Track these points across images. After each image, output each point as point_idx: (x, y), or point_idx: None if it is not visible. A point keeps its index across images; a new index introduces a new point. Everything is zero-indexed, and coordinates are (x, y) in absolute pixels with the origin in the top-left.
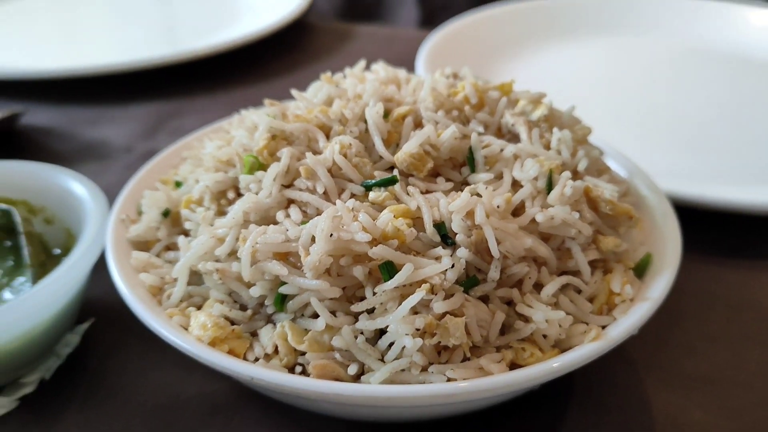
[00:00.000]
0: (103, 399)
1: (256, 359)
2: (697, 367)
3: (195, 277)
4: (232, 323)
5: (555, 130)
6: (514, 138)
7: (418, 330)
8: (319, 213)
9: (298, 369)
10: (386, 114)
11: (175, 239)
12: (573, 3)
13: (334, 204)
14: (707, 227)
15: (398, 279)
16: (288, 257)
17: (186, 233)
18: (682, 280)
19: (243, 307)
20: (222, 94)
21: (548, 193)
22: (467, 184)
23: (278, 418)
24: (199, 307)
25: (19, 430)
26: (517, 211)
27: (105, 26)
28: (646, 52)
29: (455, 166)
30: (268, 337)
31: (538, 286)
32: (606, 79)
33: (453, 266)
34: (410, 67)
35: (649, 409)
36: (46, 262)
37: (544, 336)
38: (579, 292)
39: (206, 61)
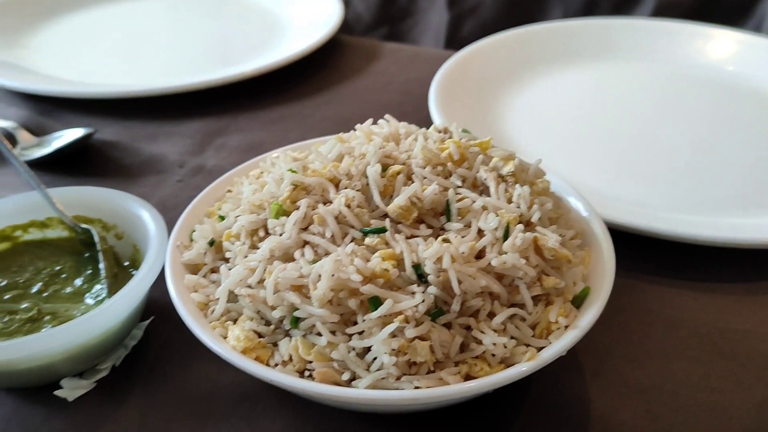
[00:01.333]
0: (159, 384)
1: (276, 365)
2: (634, 375)
3: (232, 296)
4: (260, 335)
5: (518, 186)
6: (486, 190)
7: (394, 350)
8: (327, 253)
9: (307, 373)
10: (384, 169)
11: (218, 264)
12: (587, 25)
13: (338, 246)
14: (660, 252)
15: (381, 311)
16: (301, 289)
17: (227, 260)
18: (630, 299)
19: (267, 323)
20: (261, 113)
21: (504, 241)
22: (444, 230)
23: (294, 406)
24: (234, 321)
25: (95, 407)
26: (481, 253)
27: (159, 42)
28: (652, 76)
29: (436, 215)
30: (285, 348)
31: (492, 315)
32: (610, 103)
33: (423, 301)
34: (428, 85)
35: (587, 410)
36: (117, 273)
37: (493, 354)
38: (523, 320)
39: (249, 80)
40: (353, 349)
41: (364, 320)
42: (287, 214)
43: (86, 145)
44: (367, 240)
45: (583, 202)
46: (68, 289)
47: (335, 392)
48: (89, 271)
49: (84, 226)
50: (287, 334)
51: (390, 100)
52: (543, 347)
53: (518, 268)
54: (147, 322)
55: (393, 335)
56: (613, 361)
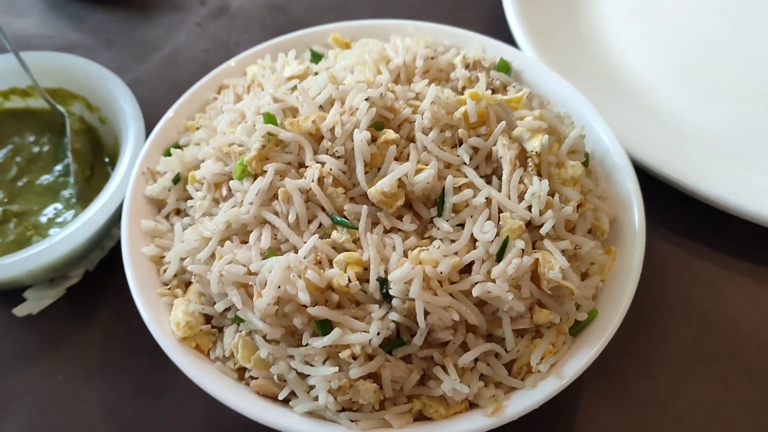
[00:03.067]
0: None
1: (216, 359)
2: (640, 384)
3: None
4: (207, 318)
5: (536, 179)
6: (498, 170)
7: (334, 388)
8: (286, 241)
9: (247, 374)
10: (379, 127)
11: (182, 206)
12: None
13: (302, 232)
14: (725, 225)
15: (327, 340)
16: (247, 287)
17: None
18: (668, 277)
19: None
20: None
21: (498, 260)
22: (433, 224)
23: None
24: (187, 284)
25: (64, 317)
26: (467, 268)
27: None
28: None
29: (427, 203)
30: (229, 339)
31: (465, 347)
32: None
33: (378, 334)
34: None
35: (571, 419)
36: (92, 174)
37: (454, 396)
38: (499, 356)
39: None
40: (294, 370)
41: (307, 344)
42: (252, 177)
43: None
44: (335, 234)
45: (631, 177)
46: (43, 181)
47: (267, 418)
48: (68, 160)
49: (60, 108)
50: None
51: None
52: (515, 387)
53: (504, 301)
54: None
55: (334, 364)
56: (621, 358)
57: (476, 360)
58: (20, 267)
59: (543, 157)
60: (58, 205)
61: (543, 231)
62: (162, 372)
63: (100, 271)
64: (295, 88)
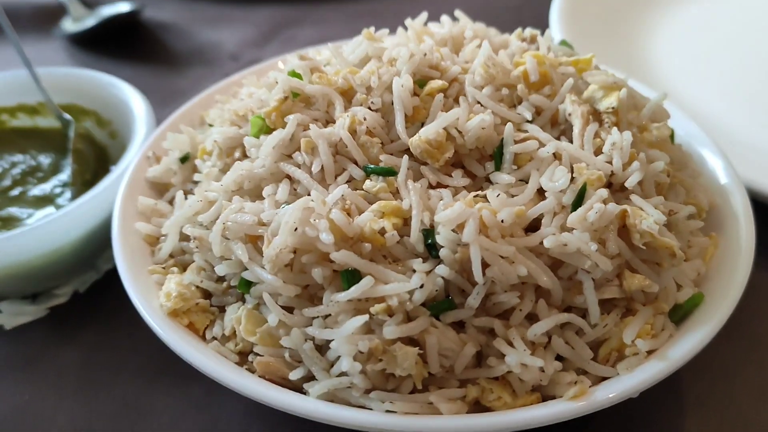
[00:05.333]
0: (120, 324)
1: (213, 338)
2: (759, 416)
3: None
4: (207, 294)
5: (614, 130)
6: (568, 131)
7: (361, 353)
8: (308, 195)
9: (252, 358)
10: (423, 83)
11: (189, 187)
12: None
13: (328, 185)
14: None
15: (353, 292)
16: (257, 241)
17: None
18: None
19: (220, 279)
20: (348, 4)
21: (573, 211)
22: (489, 182)
23: None
24: (185, 266)
25: (40, 335)
26: (534, 224)
27: None
28: None
29: (482, 158)
30: (230, 317)
31: (534, 318)
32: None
33: (422, 286)
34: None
35: None
36: (94, 179)
37: (521, 380)
38: (581, 333)
39: None
40: (311, 338)
41: (331, 301)
42: (271, 132)
43: (136, 24)
44: (368, 183)
45: (724, 163)
46: (37, 192)
47: (279, 399)
48: (68, 169)
49: (66, 116)
50: (242, 298)
51: (506, 3)
52: (604, 377)
53: (585, 255)
54: None
55: (370, 329)
56: (729, 387)
57: (550, 337)
58: None
59: (621, 115)
60: (52, 209)
61: (629, 184)
62: (148, 393)
63: (91, 294)
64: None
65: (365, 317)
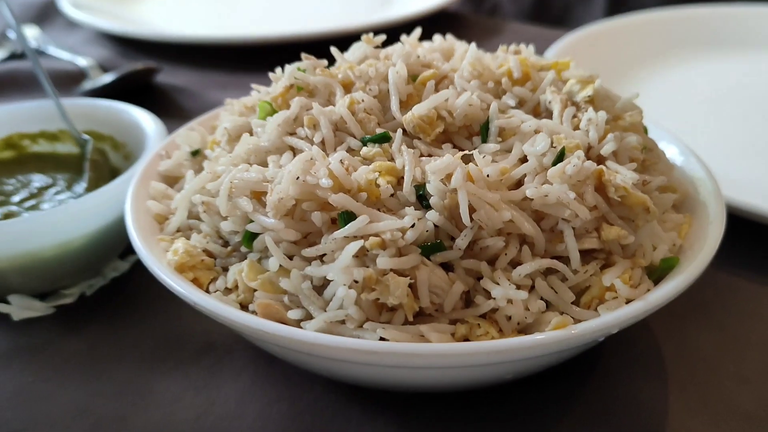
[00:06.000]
0: (126, 322)
1: (216, 290)
2: (739, 399)
3: (197, 211)
4: (212, 257)
5: (590, 109)
6: (550, 116)
7: (356, 282)
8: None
9: (252, 308)
10: (414, 77)
11: None
12: (719, 14)
13: (328, 156)
14: None
15: (349, 229)
16: (261, 196)
17: None
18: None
19: (226, 244)
20: None
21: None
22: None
23: (263, 364)
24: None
25: (46, 327)
26: (517, 185)
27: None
28: None
29: (469, 135)
30: (232, 273)
31: (519, 265)
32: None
33: (414, 226)
34: None
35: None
36: None
37: (508, 318)
38: (564, 280)
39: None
40: (309, 279)
41: (328, 240)
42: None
43: (151, 86)
44: (364, 150)
45: (694, 158)
46: (51, 202)
47: (266, 328)
48: (83, 189)
49: (85, 136)
50: (244, 259)
51: None
52: (583, 320)
53: (564, 204)
54: (137, 257)
55: (365, 265)
56: (712, 375)
57: (534, 283)
58: None
59: (597, 102)
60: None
61: (604, 152)
62: (148, 377)
63: (97, 297)
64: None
65: (360, 242)
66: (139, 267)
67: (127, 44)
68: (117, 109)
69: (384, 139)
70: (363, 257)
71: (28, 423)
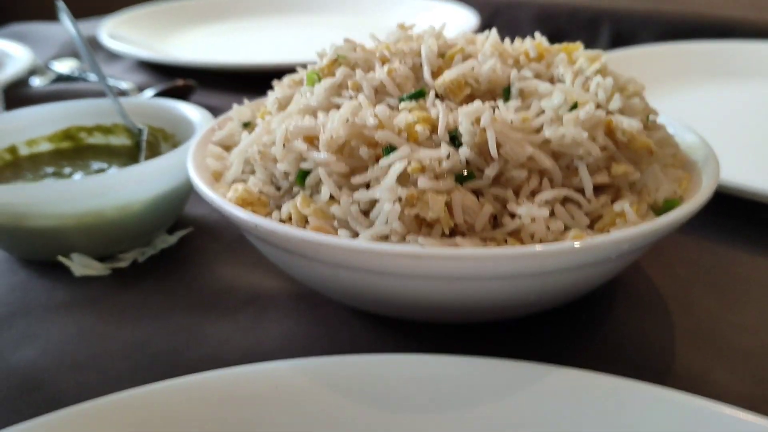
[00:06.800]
0: (176, 281)
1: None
2: (740, 340)
3: (250, 169)
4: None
5: (599, 76)
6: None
7: (400, 199)
8: None
9: None
10: (443, 55)
11: None
12: (730, 48)
13: None
14: None
15: (394, 156)
16: (313, 140)
17: None
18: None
19: (278, 189)
20: None
21: None
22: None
23: (305, 311)
24: None
25: (101, 288)
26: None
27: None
28: None
29: (493, 98)
30: (286, 208)
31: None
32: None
33: (449, 157)
34: None
35: (670, 363)
36: None
37: (532, 236)
38: (579, 206)
39: None
40: (357, 203)
41: (375, 170)
42: None
43: (186, 100)
44: (401, 105)
45: (690, 131)
46: None
47: (320, 239)
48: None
49: (139, 125)
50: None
51: None
52: None
53: (579, 143)
54: (185, 231)
55: (402, 184)
56: (715, 323)
57: (552, 210)
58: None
59: (603, 75)
60: None
61: (612, 107)
62: (200, 322)
63: (148, 264)
64: None
65: (403, 163)
66: (186, 241)
67: (163, 71)
68: (165, 104)
69: (420, 94)
70: (406, 182)
71: (89, 355)
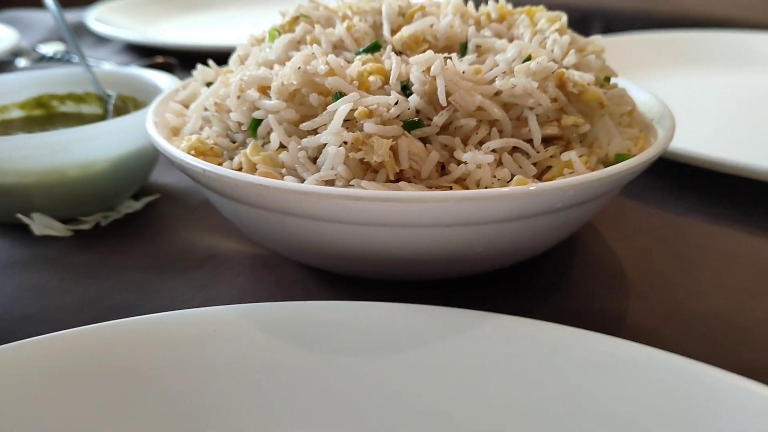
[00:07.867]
0: (136, 243)
1: None
2: (693, 305)
3: (210, 123)
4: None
5: (555, 33)
6: None
7: (345, 143)
8: None
9: None
10: (404, 15)
11: None
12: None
13: None
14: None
15: (342, 101)
16: (267, 90)
17: None
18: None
19: (234, 142)
20: None
21: None
22: None
23: (259, 266)
24: None
25: (61, 247)
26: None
27: None
28: None
29: (450, 54)
30: (237, 157)
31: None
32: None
33: (398, 103)
34: None
35: (621, 324)
36: None
37: (478, 184)
38: (527, 156)
39: None
40: (305, 149)
41: (323, 116)
42: None
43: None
44: (358, 58)
45: (650, 95)
46: None
47: (264, 182)
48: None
49: (109, 91)
50: None
51: None
52: None
53: (529, 93)
54: (151, 198)
55: (349, 129)
56: (670, 288)
57: (500, 159)
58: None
59: (563, 33)
60: None
61: (566, 62)
62: (155, 280)
63: (111, 228)
64: None
65: (349, 106)
66: (151, 207)
67: (148, 55)
68: (136, 73)
69: (375, 47)
70: (353, 127)
71: (42, 308)
